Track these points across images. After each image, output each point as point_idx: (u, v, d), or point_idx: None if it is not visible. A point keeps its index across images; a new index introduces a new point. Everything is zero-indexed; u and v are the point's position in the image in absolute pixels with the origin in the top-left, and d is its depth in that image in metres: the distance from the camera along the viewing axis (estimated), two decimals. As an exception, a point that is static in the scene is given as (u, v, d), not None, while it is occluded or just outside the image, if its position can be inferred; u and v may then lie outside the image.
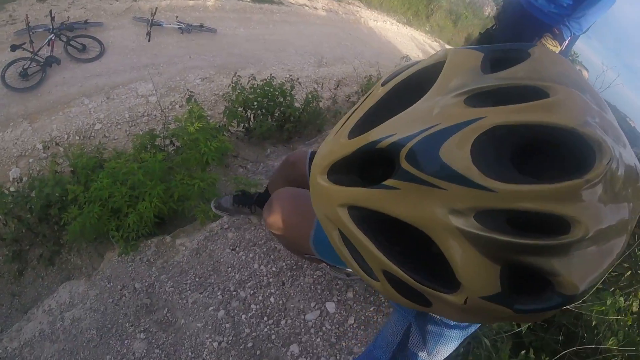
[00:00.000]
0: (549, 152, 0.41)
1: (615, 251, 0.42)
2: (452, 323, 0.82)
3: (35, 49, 5.19)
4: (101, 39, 5.75)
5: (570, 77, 0.45)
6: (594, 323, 1.84)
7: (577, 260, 0.40)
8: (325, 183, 0.52)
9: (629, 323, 2.00)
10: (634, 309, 2.03)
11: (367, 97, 0.54)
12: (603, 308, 1.67)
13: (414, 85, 0.49)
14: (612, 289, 1.79)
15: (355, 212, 0.48)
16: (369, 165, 0.49)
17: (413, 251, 0.47)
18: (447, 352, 0.87)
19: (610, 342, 1.78)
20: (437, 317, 0.82)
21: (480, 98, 0.44)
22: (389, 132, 0.45)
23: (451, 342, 0.85)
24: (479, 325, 0.88)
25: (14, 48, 5.05)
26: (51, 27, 5.46)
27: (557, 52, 2.54)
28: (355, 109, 0.54)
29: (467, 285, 0.44)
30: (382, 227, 0.48)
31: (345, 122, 0.54)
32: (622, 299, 1.76)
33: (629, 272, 2.18)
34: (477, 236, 0.40)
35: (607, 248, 0.41)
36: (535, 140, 0.41)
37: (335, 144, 0.52)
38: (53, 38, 5.41)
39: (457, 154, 0.40)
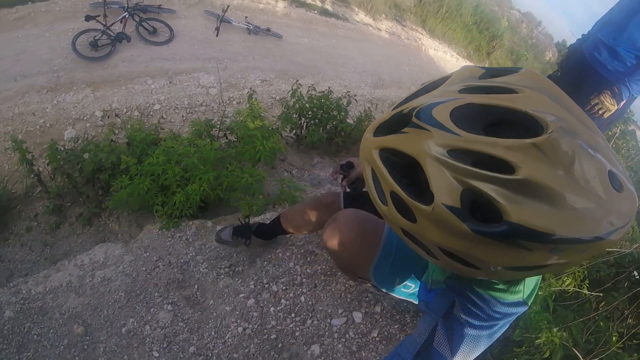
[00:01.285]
0: (510, 127, 0.61)
1: (547, 208, 0.57)
2: (477, 323, 0.91)
3: (108, 23, 5.47)
4: (172, 26, 6.01)
5: (545, 90, 0.66)
6: None
7: (520, 198, 0.56)
8: (369, 136, 0.73)
9: None
10: None
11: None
12: None
13: (433, 85, 0.74)
14: (632, 355, 1.82)
15: (383, 153, 0.69)
16: (398, 126, 0.68)
17: (410, 178, 0.66)
18: (471, 353, 0.92)
19: None
20: (463, 317, 0.92)
21: (470, 90, 0.67)
22: (410, 106, 0.68)
23: (475, 342, 0.91)
24: (505, 327, 0.95)
25: (88, 18, 5.33)
26: (126, 5, 5.76)
27: (613, 110, 2.54)
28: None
29: (437, 195, 0.60)
30: (395, 164, 0.68)
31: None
32: None
33: None
34: (447, 162, 0.59)
35: (542, 198, 0.56)
36: (501, 118, 0.62)
37: (382, 115, 0.75)
38: (126, 16, 5.70)
39: (442, 112, 0.62)
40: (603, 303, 2.39)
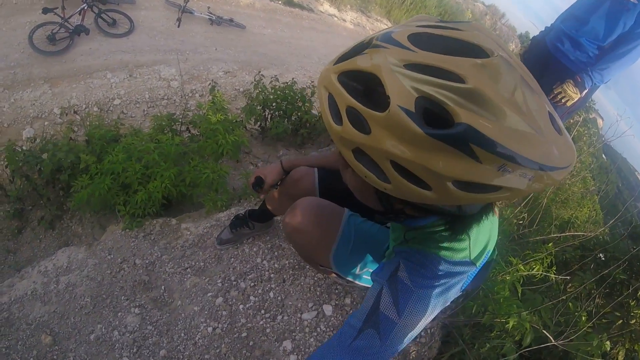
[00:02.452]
0: (462, 56, 0.63)
1: (493, 119, 0.61)
2: (422, 282, 0.90)
3: (67, 15, 5.24)
4: (132, 17, 5.81)
5: (492, 36, 0.71)
6: None
7: (470, 105, 0.60)
8: (330, 65, 0.75)
9: None
10: (620, 357, 2.10)
11: None
12: (589, 349, 1.73)
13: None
14: (601, 336, 1.85)
15: (341, 77, 0.71)
16: (358, 53, 0.71)
17: (366, 97, 0.68)
18: (419, 314, 0.90)
19: None
20: (407, 277, 0.92)
21: (426, 27, 0.71)
22: (369, 36, 0.73)
23: (422, 302, 0.90)
24: (454, 289, 0.94)
25: (45, 11, 5.10)
26: (85, -4, 5.51)
27: (576, 99, 2.62)
28: None
29: (392, 98, 0.62)
30: (353, 87, 0.69)
31: None
32: (608, 343, 1.83)
33: (620, 321, 2.24)
34: (402, 72, 0.63)
35: (488, 109, 0.60)
36: (453, 48, 0.65)
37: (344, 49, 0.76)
38: (85, 8, 5.47)
39: (400, 35, 0.67)
40: (570, 285, 2.43)
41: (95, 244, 2.50)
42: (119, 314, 2.06)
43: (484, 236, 0.99)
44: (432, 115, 0.62)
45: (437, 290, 0.91)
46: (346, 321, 0.98)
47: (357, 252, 1.51)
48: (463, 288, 0.99)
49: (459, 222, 0.87)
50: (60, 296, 2.17)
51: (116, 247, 2.41)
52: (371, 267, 1.54)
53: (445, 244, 0.92)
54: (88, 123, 3.08)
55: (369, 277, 1.57)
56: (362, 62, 0.68)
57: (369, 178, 0.73)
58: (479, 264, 0.98)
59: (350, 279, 1.60)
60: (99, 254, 2.39)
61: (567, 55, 2.66)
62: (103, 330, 1.99)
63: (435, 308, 0.92)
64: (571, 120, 5.99)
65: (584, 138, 6.48)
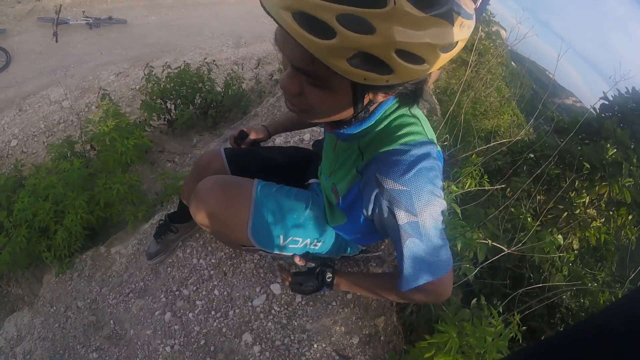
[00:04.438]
0: None
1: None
2: (408, 177, 0.94)
3: None
4: (5, 47, 5.35)
5: None
6: (537, 262, 1.87)
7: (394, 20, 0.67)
8: None
9: (572, 259, 2.05)
10: (575, 246, 2.08)
11: None
12: (544, 247, 1.67)
13: None
14: (550, 229, 1.80)
15: None
16: None
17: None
18: (429, 204, 0.97)
19: (556, 279, 1.81)
20: (393, 183, 0.95)
21: None
22: None
23: (422, 193, 0.95)
24: (437, 173, 0.99)
25: None
26: (-52, 39, 5.02)
27: (472, 7, 2.47)
28: None
29: None
30: None
31: None
32: (560, 237, 1.78)
33: (565, 213, 2.22)
34: None
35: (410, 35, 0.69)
36: None
37: None
38: (-48, 51, 4.98)
39: None
40: (509, 191, 2.39)
41: (35, 301, 2.34)
42: (80, 364, 1.92)
43: (426, 119, 1.08)
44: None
45: (423, 177, 0.95)
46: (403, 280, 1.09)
47: (276, 222, 1.40)
48: (442, 177, 1.04)
49: (410, 95, 0.90)
50: (21, 369, 2.03)
51: (55, 297, 2.25)
52: (295, 235, 1.43)
53: (401, 132, 0.98)
54: (-13, 177, 2.81)
55: (295, 246, 1.46)
56: None
57: (368, 78, 0.75)
58: (439, 147, 1.05)
59: (277, 252, 1.47)
60: (41, 310, 2.24)
61: None
62: (71, 387, 1.85)
63: (435, 191, 0.98)
64: (474, 36, 5.92)
65: (491, 50, 6.48)
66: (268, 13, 0.73)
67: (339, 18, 0.66)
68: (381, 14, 0.66)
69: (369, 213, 1.08)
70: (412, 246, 1.01)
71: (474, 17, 0.79)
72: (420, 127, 1.01)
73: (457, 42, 0.76)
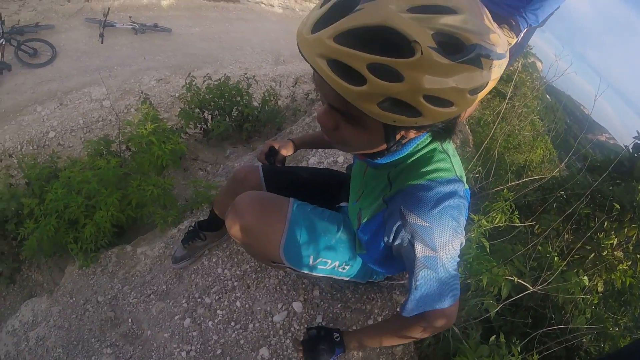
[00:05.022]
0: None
1: (483, 34, 0.74)
2: (432, 214, 0.97)
3: (-15, 55, 4.94)
4: (53, 42, 5.53)
5: None
6: (560, 302, 1.86)
7: (469, 28, 0.72)
8: (314, 34, 0.74)
9: (595, 302, 2.03)
10: (599, 288, 2.06)
11: None
12: (568, 287, 1.68)
13: None
14: (576, 270, 1.81)
15: (341, 39, 0.71)
16: (343, 10, 0.72)
17: (384, 43, 0.70)
18: (449, 242, 1.01)
19: (578, 321, 1.80)
20: (417, 218, 0.99)
21: None
22: None
23: (443, 231, 0.99)
24: (460, 211, 1.03)
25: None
26: (1, 31, 5.20)
27: (513, 42, 2.55)
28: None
29: (421, 41, 0.68)
30: (358, 39, 0.71)
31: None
32: (585, 278, 1.78)
33: (592, 254, 2.21)
34: (411, 17, 0.68)
35: (479, 29, 0.73)
36: None
37: (312, 14, 0.77)
38: (3, 43, 5.16)
39: None
40: (537, 228, 2.39)
41: (56, 289, 2.38)
42: (93, 357, 1.95)
43: (457, 155, 1.11)
44: (448, 45, 0.70)
45: (447, 214, 0.98)
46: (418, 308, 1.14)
47: (309, 242, 1.43)
48: (467, 214, 1.08)
49: (442, 132, 0.93)
50: (32, 353, 2.07)
51: (76, 288, 2.29)
52: (325, 257, 1.45)
53: (429, 168, 1.01)
54: (24, 164, 2.89)
55: (324, 267, 1.48)
56: (364, 18, 0.69)
57: (398, 120, 0.78)
58: (466, 184, 1.07)
59: (305, 271, 1.50)
60: (60, 299, 2.27)
61: (495, 2, 2.58)
62: (82, 379, 1.87)
63: (458, 229, 1.02)
64: (511, 68, 5.98)
65: (527, 83, 6.50)
66: (305, 59, 0.78)
67: (369, 67, 0.71)
68: (409, 63, 0.69)
69: (390, 241, 1.11)
70: (425, 276, 1.05)
71: (508, 53, 0.81)
72: (450, 163, 1.04)
73: (488, 82, 0.78)
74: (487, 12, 0.78)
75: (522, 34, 2.59)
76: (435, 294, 1.09)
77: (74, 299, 2.24)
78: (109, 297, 2.16)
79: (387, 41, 0.69)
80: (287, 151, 1.78)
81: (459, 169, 1.06)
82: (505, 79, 6.32)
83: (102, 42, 5.92)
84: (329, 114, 0.90)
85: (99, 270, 2.32)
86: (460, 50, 0.71)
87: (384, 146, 0.95)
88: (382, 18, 0.68)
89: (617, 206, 2.38)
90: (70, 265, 2.49)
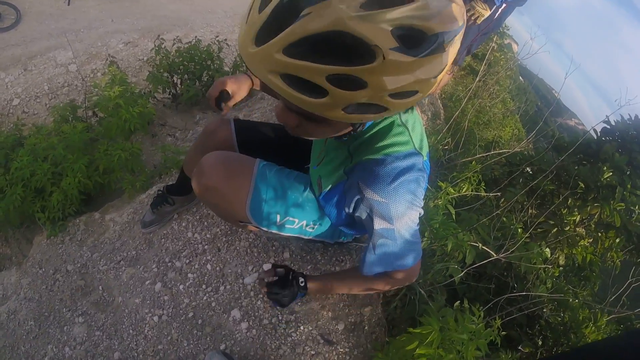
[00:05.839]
0: None
1: (442, 18, 0.68)
2: (387, 190, 0.99)
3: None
4: (16, 5, 5.29)
5: None
6: (522, 272, 1.92)
7: (427, 15, 0.66)
8: (259, 48, 0.67)
9: (556, 274, 2.09)
10: (560, 262, 2.12)
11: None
12: (531, 257, 1.72)
13: None
14: (539, 242, 1.84)
15: (290, 51, 0.65)
16: (288, 16, 0.64)
17: (340, 50, 0.65)
18: (405, 214, 1.03)
19: (539, 290, 1.86)
20: (373, 194, 1.01)
21: None
22: None
23: (399, 205, 1.01)
24: (419, 184, 1.04)
25: None
26: (-38, -7, 4.95)
27: (486, 14, 2.52)
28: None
29: (381, 44, 0.64)
30: (310, 49, 0.65)
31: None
32: (548, 250, 1.84)
33: (555, 229, 2.26)
34: (366, 16, 0.61)
35: (438, 14, 0.67)
36: None
37: (251, 21, 0.68)
38: (-36, 6, 4.91)
39: None
40: (503, 200, 2.44)
41: (24, 261, 2.33)
42: (65, 327, 1.93)
43: (418, 125, 1.09)
44: (410, 38, 0.65)
45: (402, 189, 0.99)
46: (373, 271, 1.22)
47: (275, 202, 1.42)
48: (426, 185, 1.09)
49: None
50: (4, 328, 2.04)
51: (45, 258, 2.24)
52: (292, 216, 1.44)
53: (386, 142, 1.01)
54: (-13, 133, 2.78)
55: (293, 227, 1.48)
56: (315, 24, 0.62)
57: (365, 118, 0.78)
58: (425, 155, 1.07)
59: (273, 230, 1.50)
60: (30, 270, 2.22)
61: None
62: (54, 349, 1.87)
63: (415, 201, 1.03)
64: (486, 46, 5.95)
65: (501, 62, 6.55)
66: (254, 75, 0.73)
67: (329, 78, 0.67)
68: (371, 69, 0.66)
69: (350, 212, 1.16)
70: (382, 244, 1.11)
71: (465, 18, 0.79)
72: (408, 136, 1.03)
73: (449, 61, 0.75)
74: None
75: (499, 11, 2.57)
76: (393, 256, 1.14)
77: (44, 269, 2.19)
78: (79, 265, 2.13)
79: (344, 48, 0.64)
80: (241, 93, 1.54)
81: (417, 141, 1.05)
82: (479, 57, 6.32)
83: (68, 4, 5.68)
84: (289, 113, 0.87)
85: (67, 239, 2.27)
86: (422, 41, 0.67)
87: (349, 129, 0.97)
88: (335, 22, 0.61)
89: (582, 185, 2.48)
90: (38, 236, 2.43)
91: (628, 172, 2.55)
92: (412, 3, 0.64)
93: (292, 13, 0.63)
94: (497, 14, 2.61)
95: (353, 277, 1.40)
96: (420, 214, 1.09)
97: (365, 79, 0.67)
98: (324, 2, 0.61)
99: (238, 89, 1.52)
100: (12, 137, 2.65)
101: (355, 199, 1.08)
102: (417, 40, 0.66)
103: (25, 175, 2.26)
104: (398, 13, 0.63)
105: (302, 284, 1.42)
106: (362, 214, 1.10)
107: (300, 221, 1.46)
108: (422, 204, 1.07)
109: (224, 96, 1.50)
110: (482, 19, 2.54)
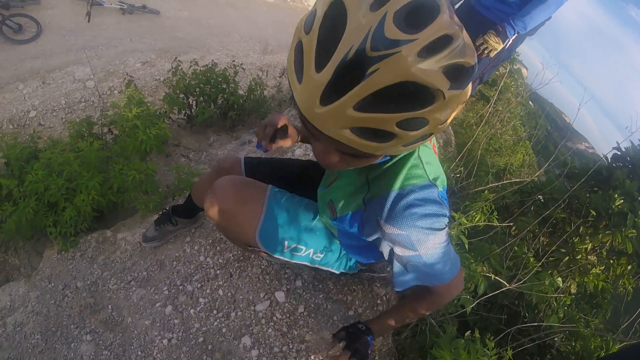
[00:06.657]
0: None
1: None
2: (406, 222, 1.00)
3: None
4: (38, 19, 5.38)
5: None
6: (534, 302, 1.91)
7: (462, 52, 0.70)
8: (323, 107, 0.70)
9: (568, 303, 2.09)
10: (572, 290, 2.12)
11: (296, 48, 0.74)
12: (542, 287, 1.72)
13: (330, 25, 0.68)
14: (551, 271, 1.85)
15: (362, 106, 0.68)
16: (355, 73, 0.66)
17: (406, 97, 0.68)
18: (427, 242, 1.04)
19: (551, 320, 1.85)
20: (391, 228, 1.02)
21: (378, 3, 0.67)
22: (346, 48, 0.65)
23: (420, 235, 1.02)
24: (439, 220, 1.03)
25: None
26: (-14, 5, 5.05)
27: (499, 48, 2.57)
28: (295, 58, 0.74)
29: (439, 85, 0.68)
30: (379, 100, 0.67)
31: (297, 68, 0.73)
32: (559, 279, 1.83)
33: (567, 257, 2.27)
34: (423, 62, 0.65)
35: (469, 50, 0.72)
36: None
37: (311, 81, 0.69)
38: (-12, 18, 4.99)
39: (390, 28, 0.64)
40: (514, 229, 2.44)
41: (34, 274, 2.33)
42: (72, 344, 1.92)
43: (433, 159, 1.10)
44: (455, 73, 0.69)
45: (421, 220, 1.00)
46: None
47: (284, 228, 1.45)
48: (448, 212, 1.08)
49: None
50: (10, 339, 2.02)
51: (55, 273, 2.24)
52: (300, 244, 1.47)
53: (403, 175, 1.02)
54: (3, 143, 2.81)
55: (301, 254, 1.50)
56: (383, 79, 0.65)
57: (414, 147, 0.83)
58: (442, 187, 1.07)
59: (282, 257, 1.52)
60: (39, 284, 2.22)
61: (488, 8, 2.64)
62: (61, 366, 1.84)
63: (434, 225, 1.02)
64: (497, 72, 6.01)
65: (511, 89, 6.62)
66: (319, 132, 0.76)
67: (398, 123, 0.71)
68: (434, 109, 0.70)
69: (370, 241, 1.19)
70: (411, 266, 1.12)
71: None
72: (422, 169, 1.04)
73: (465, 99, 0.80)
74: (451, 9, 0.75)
75: (510, 40, 2.62)
76: (426, 275, 1.14)
77: (53, 284, 2.19)
78: (89, 282, 2.13)
79: (410, 95, 0.68)
80: (292, 140, 1.47)
81: (432, 174, 1.06)
82: (490, 82, 6.39)
83: (88, 21, 5.76)
84: (333, 154, 0.88)
85: (78, 255, 2.28)
86: (466, 75, 0.72)
87: (378, 159, 0.99)
88: (402, 74, 0.65)
89: (593, 213, 2.47)
90: (48, 250, 2.44)
91: (639, 199, 2.57)
92: (452, 40, 0.67)
93: (358, 70, 0.65)
94: (508, 45, 2.66)
95: (404, 306, 1.40)
96: (445, 234, 1.08)
97: (427, 117, 0.72)
98: (390, 58, 0.63)
99: (293, 134, 1.46)
100: (27, 149, 2.67)
101: (376, 236, 1.12)
102: (460, 73, 0.70)
103: (39, 188, 2.27)
104: (445, 54, 0.67)
105: (363, 328, 1.41)
106: (385, 248, 1.13)
107: (308, 249, 1.48)
108: (445, 226, 1.07)
109: (282, 133, 1.42)
110: (495, 52, 2.60)
